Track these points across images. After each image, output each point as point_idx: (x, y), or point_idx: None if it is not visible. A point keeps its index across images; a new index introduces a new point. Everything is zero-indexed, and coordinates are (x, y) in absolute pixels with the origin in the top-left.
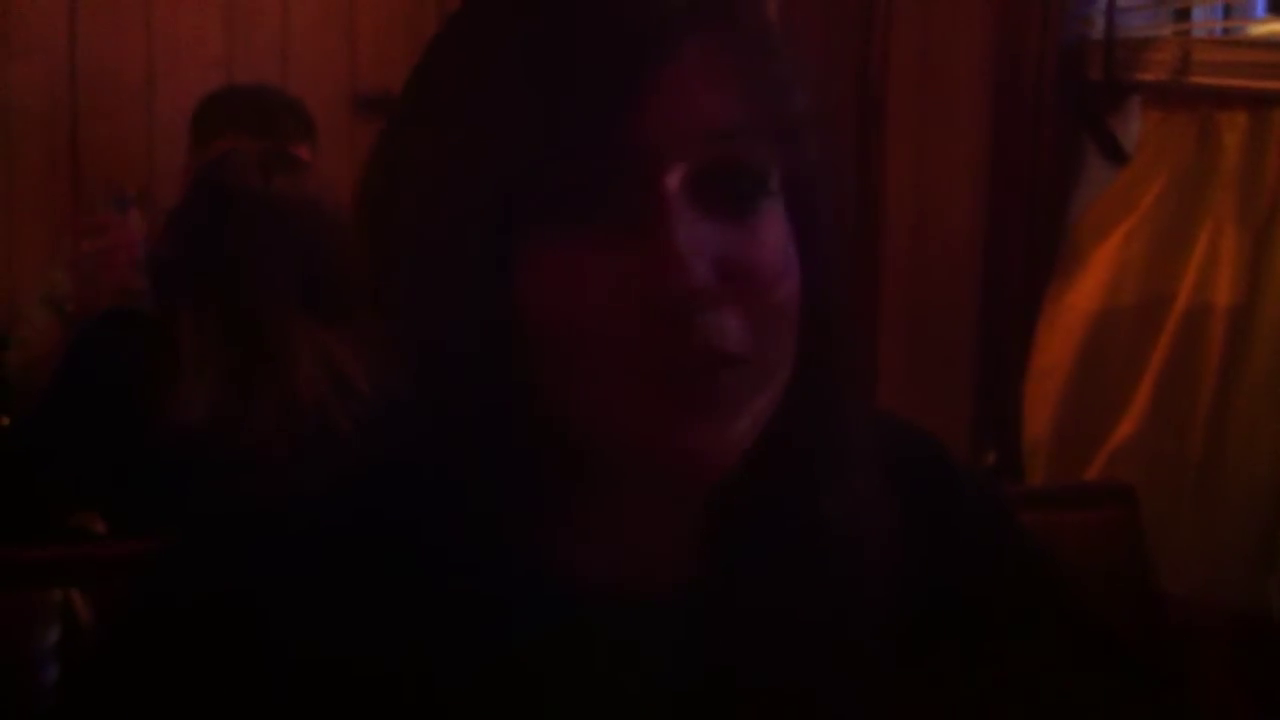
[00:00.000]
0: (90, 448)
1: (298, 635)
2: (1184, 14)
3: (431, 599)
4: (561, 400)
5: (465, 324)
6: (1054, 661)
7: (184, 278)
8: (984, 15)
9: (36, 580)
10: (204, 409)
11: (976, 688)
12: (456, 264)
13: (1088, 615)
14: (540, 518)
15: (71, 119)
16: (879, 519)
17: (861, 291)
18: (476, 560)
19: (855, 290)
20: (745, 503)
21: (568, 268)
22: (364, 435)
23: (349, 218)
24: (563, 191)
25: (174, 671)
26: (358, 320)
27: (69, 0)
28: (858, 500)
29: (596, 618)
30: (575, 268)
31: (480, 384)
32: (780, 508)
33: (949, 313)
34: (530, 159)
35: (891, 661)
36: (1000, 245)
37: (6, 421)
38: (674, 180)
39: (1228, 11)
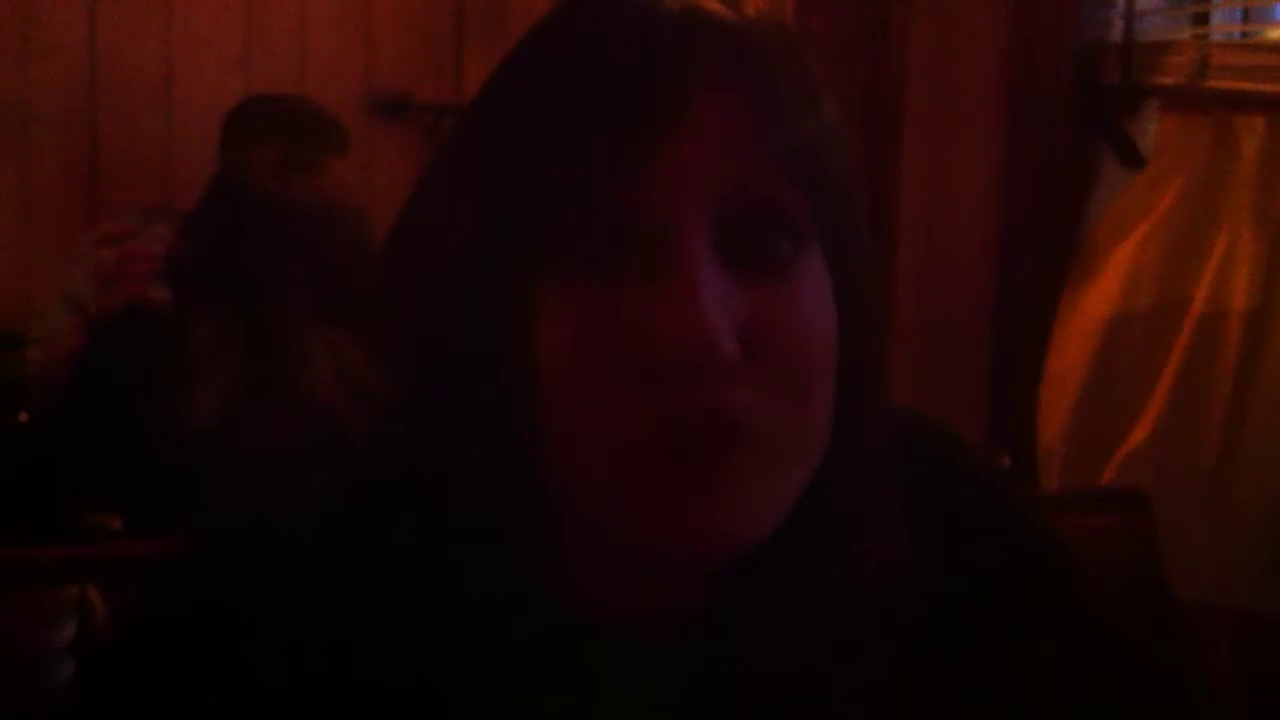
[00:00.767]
0: (107, 447)
1: (299, 637)
2: (1202, 18)
3: (433, 605)
4: (553, 456)
5: (475, 355)
6: (1066, 661)
7: (200, 280)
8: (1000, 19)
9: (53, 577)
10: (218, 410)
11: (987, 688)
12: (471, 296)
13: (1104, 614)
14: (542, 535)
15: (90, 118)
16: (896, 535)
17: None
18: (478, 568)
19: (884, 348)
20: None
21: (580, 316)
22: (373, 440)
23: (365, 222)
24: (581, 243)
25: (179, 671)
26: (371, 323)
27: (88, 0)
28: (884, 548)
29: (597, 626)
30: (587, 316)
31: (486, 418)
32: (802, 571)
33: (964, 317)
34: (547, 214)
35: (901, 663)
36: (1016, 249)
37: (25, 418)
38: (696, 234)
39: (1246, 15)
